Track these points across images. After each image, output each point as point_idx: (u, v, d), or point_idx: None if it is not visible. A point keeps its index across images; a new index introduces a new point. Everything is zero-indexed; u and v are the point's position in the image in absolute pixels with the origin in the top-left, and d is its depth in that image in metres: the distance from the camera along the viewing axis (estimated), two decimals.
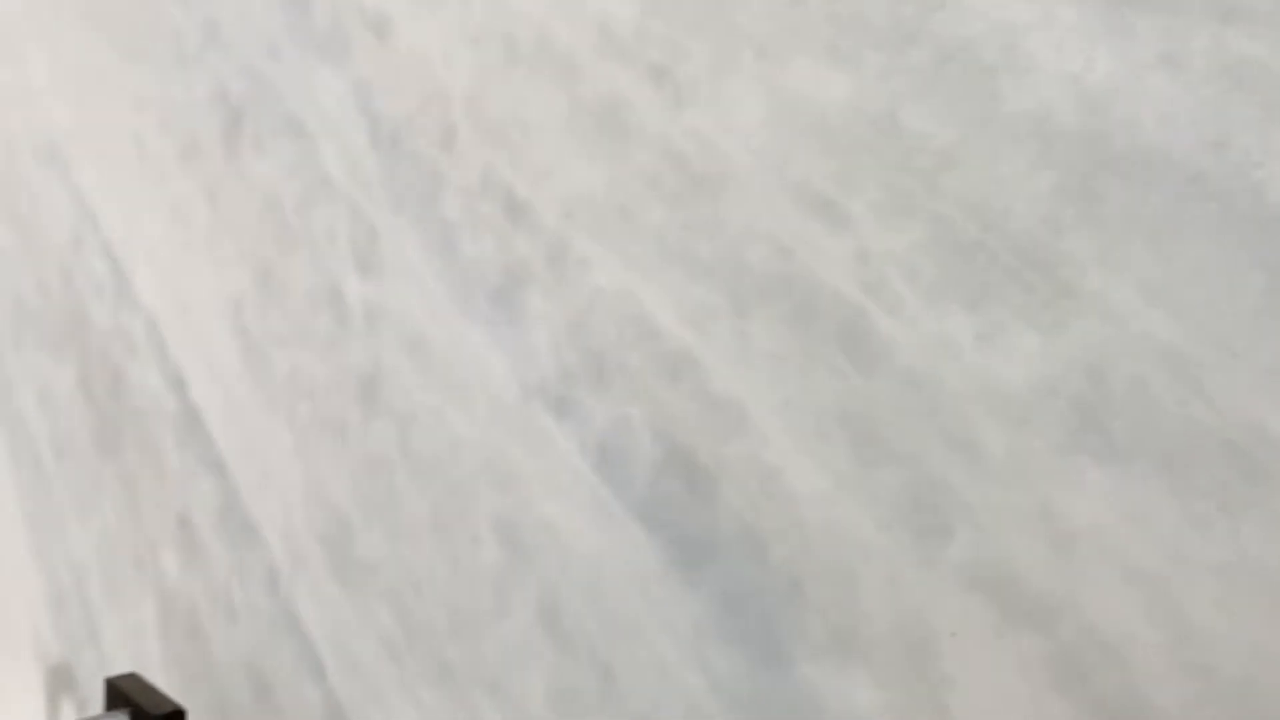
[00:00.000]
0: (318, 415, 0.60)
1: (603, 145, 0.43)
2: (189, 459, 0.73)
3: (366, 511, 0.57)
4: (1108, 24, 0.29)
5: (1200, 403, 0.28)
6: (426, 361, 0.53)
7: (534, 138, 0.47)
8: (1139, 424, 0.28)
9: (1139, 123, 0.28)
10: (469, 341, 0.50)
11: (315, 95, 0.61)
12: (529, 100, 0.47)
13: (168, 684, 0.67)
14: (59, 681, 0.93)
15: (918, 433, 0.32)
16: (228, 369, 0.68)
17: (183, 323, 0.74)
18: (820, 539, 0.35)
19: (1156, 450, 0.28)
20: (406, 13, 0.54)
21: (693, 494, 0.39)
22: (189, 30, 0.73)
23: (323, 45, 0.60)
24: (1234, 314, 0.27)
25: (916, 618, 0.33)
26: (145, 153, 0.79)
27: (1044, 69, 0.30)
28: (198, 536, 0.72)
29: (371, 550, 0.56)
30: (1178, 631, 0.28)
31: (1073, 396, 0.29)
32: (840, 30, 0.35)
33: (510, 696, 0.48)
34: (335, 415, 0.59)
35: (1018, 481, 0.30)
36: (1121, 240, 0.29)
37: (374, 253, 0.56)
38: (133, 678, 0.62)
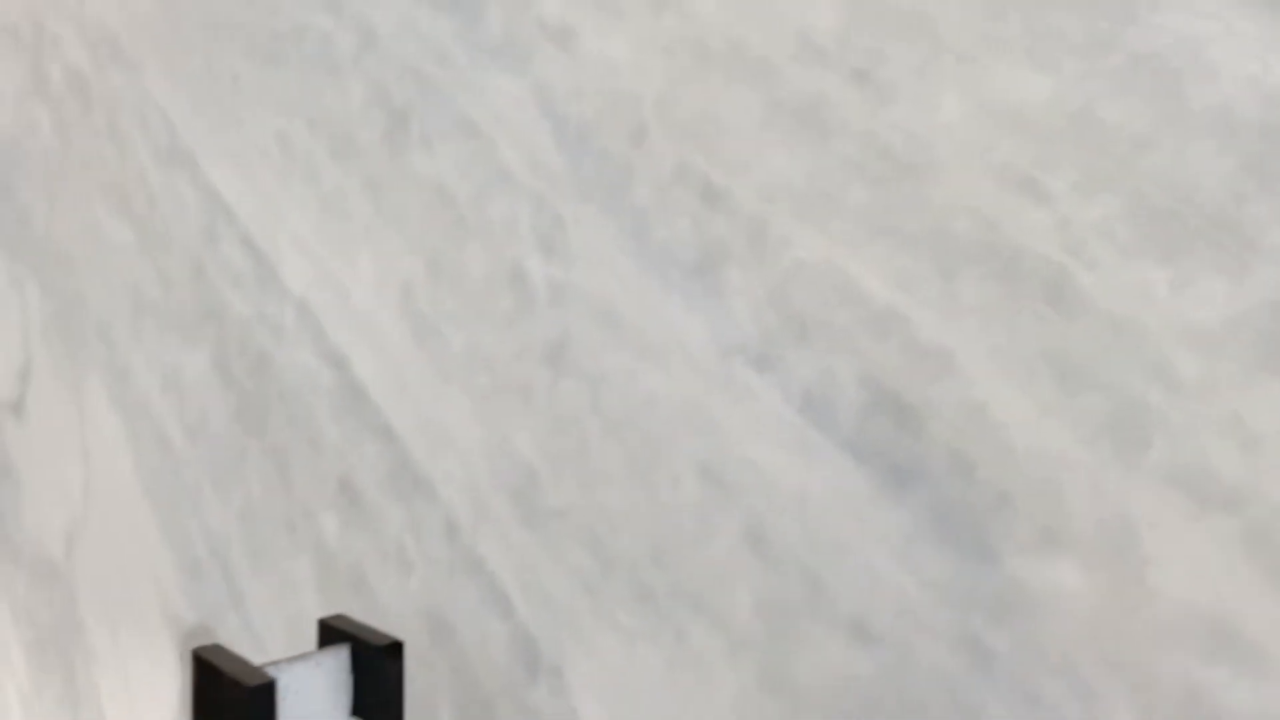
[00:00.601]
0: (498, 384, 0.68)
1: (803, 140, 0.51)
2: (350, 429, 0.80)
3: (556, 464, 0.64)
4: None
5: None
6: (618, 329, 0.60)
7: (730, 135, 0.54)
8: None
9: None
10: (663, 310, 0.58)
11: (491, 100, 0.68)
12: (723, 102, 0.55)
13: None
14: (194, 643, 1.00)
15: (1118, 365, 0.41)
16: (396, 348, 0.76)
17: (341, 308, 0.81)
18: (1026, 458, 0.43)
19: None
20: (591, 24, 0.61)
21: (900, 429, 0.47)
22: (341, 38, 0.81)
23: (497, 53, 0.67)
24: None
25: (1118, 514, 0.41)
26: (291, 152, 0.86)
27: (1226, 73, 0.38)
28: (362, 498, 0.79)
29: (562, 498, 0.64)
30: None
31: (1259, 328, 0.37)
32: (1038, 41, 0.43)
33: (716, 612, 0.56)
34: (518, 382, 0.67)
35: (1210, 397, 0.38)
36: None
37: (559, 237, 0.64)
38: (342, 618, 0.69)
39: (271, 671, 0.58)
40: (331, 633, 0.66)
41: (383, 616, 0.77)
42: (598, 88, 0.61)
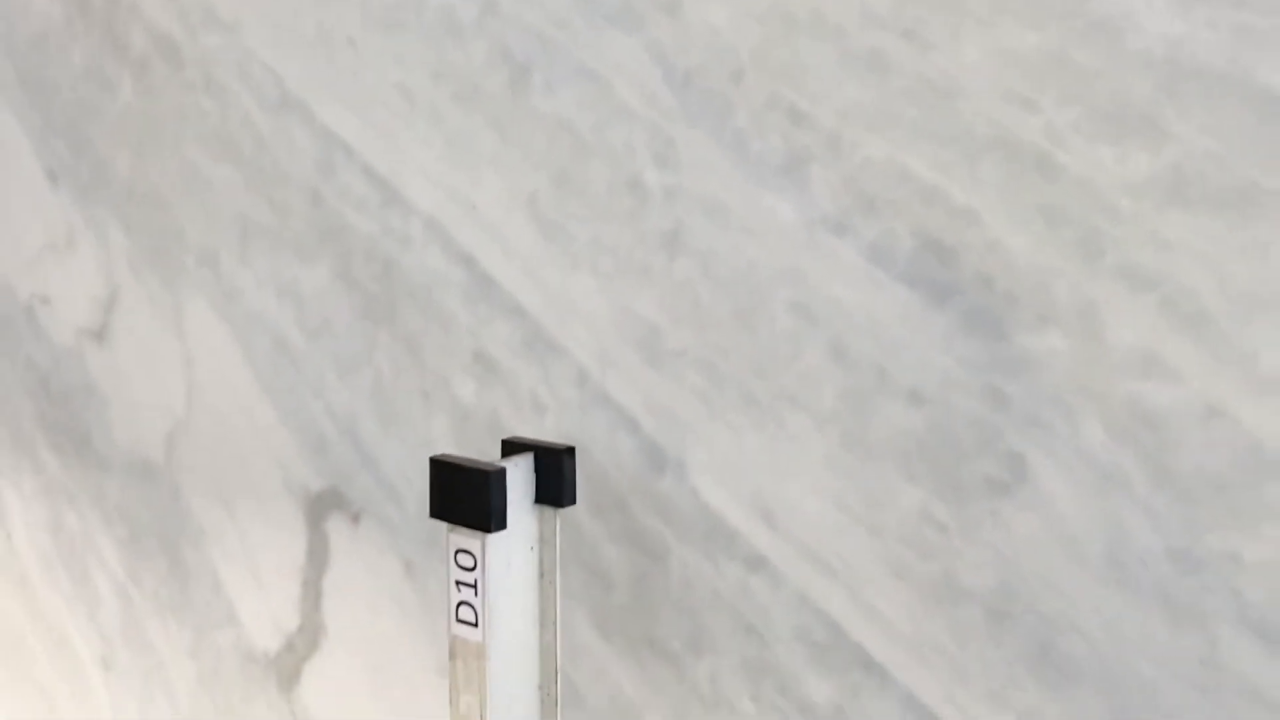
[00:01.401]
0: (620, 267, 0.92)
1: (868, 78, 0.76)
2: (481, 313, 1.02)
3: (674, 319, 0.88)
4: None
5: None
6: (723, 216, 0.85)
7: (811, 75, 0.79)
8: None
9: None
10: (759, 200, 0.82)
11: (607, 52, 0.91)
12: (806, 53, 0.79)
13: None
14: (324, 505, 1.22)
15: (1083, 209, 0.67)
16: (524, 245, 0.98)
17: (469, 219, 1.03)
18: (1027, 271, 0.69)
19: None
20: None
21: (941, 263, 0.73)
22: (462, 7, 1.02)
23: (613, 18, 0.90)
24: None
25: (1087, 300, 0.67)
26: (413, 100, 1.07)
27: (1149, 28, 0.64)
28: (497, 365, 1.02)
29: (679, 342, 0.88)
30: None
31: (1168, 181, 0.64)
32: (1031, 9, 0.68)
33: (807, 404, 0.81)
34: (639, 264, 0.90)
35: (1140, 223, 0.65)
36: None
37: (671, 154, 0.87)
38: (519, 438, 0.93)
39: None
40: (514, 446, 0.89)
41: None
42: (702, 44, 0.85)
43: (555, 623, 0.87)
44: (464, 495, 0.82)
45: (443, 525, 0.83)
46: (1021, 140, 0.69)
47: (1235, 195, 0.62)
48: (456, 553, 0.83)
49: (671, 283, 0.88)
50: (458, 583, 0.83)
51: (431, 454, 0.85)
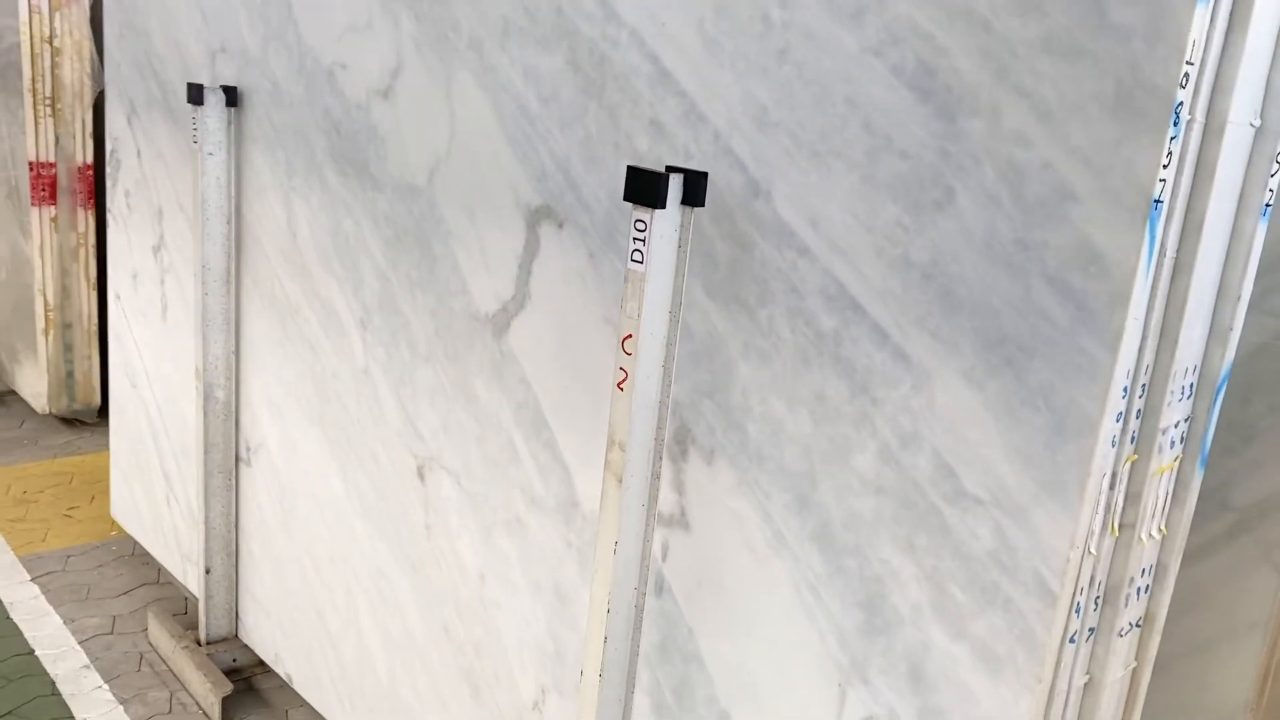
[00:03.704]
0: (749, 68, 1.50)
1: None
2: (659, 93, 1.62)
3: (776, 102, 1.47)
4: None
5: None
6: (815, 41, 1.42)
7: None
8: None
9: None
10: (836, 33, 1.40)
11: None
12: None
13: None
14: (539, 215, 1.86)
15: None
16: (691, 50, 1.57)
17: (659, 31, 1.62)
18: (970, 82, 1.27)
19: None
20: None
21: (928, 76, 1.31)
22: None
23: None
24: None
25: (996, 109, 1.24)
26: None
27: None
28: (664, 129, 1.62)
29: (778, 117, 1.47)
30: None
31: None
32: None
33: (846, 158, 1.40)
34: (759, 66, 1.49)
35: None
36: None
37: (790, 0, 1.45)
38: (675, 166, 1.54)
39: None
40: (673, 169, 1.51)
41: None
42: None
43: (683, 272, 1.50)
44: (646, 187, 1.44)
45: (627, 209, 1.46)
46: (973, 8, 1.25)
47: None
48: (635, 220, 1.46)
49: (778, 80, 1.46)
50: (634, 238, 1.46)
51: (617, 185, 1.46)
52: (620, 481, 1.51)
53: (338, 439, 2.47)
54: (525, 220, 1.90)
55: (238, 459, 2.81)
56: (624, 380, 1.49)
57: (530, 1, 1.83)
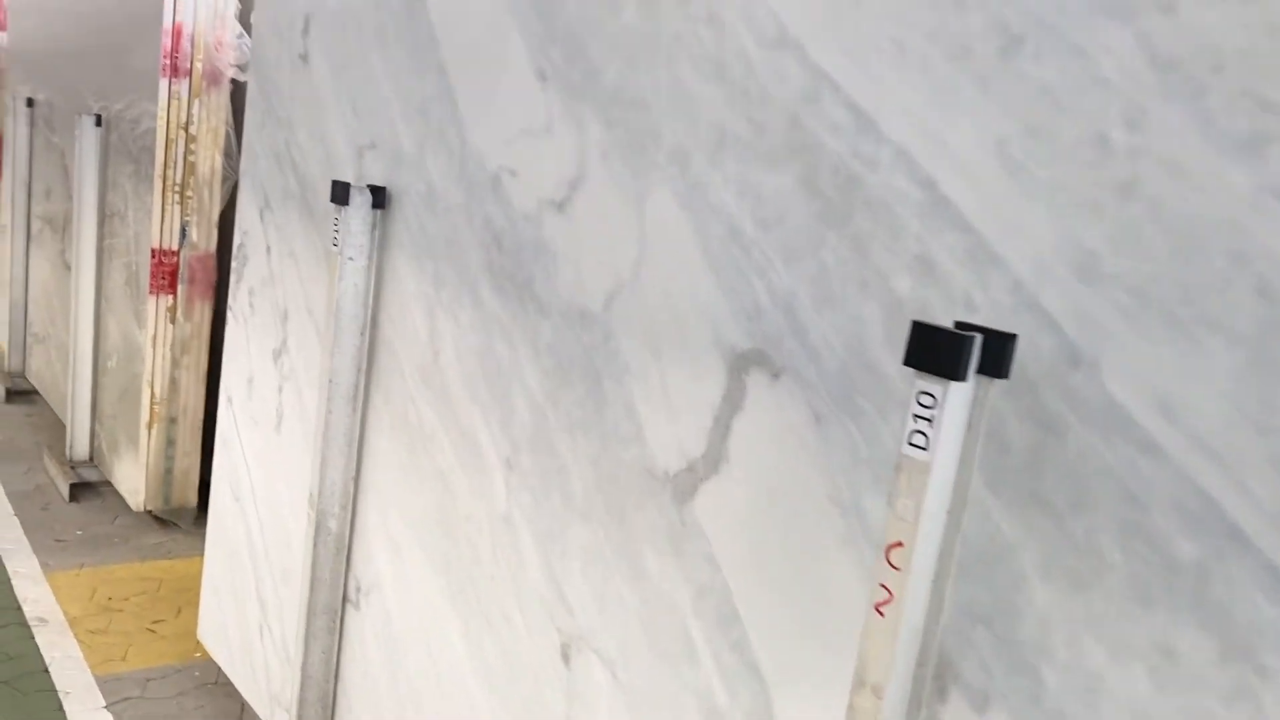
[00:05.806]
0: (1074, 202, 1.16)
1: None
2: (932, 225, 1.29)
3: (1115, 248, 1.12)
4: None
5: None
6: (1180, 175, 1.07)
7: None
8: None
9: None
10: (1216, 166, 1.05)
11: (1099, 35, 1.15)
12: None
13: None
14: (748, 361, 1.53)
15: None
16: (986, 177, 1.24)
17: (937, 152, 1.29)
18: None
19: None
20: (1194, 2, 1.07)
21: None
22: None
23: (1110, 10, 1.14)
24: None
25: None
26: (905, 52, 1.34)
27: None
28: (936, 268, 1.28)
29: (1117, 267, 1.12)
30: None
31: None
32: None
33: (1224, 328, 1.03)
34: (1091, 201, 1.14)
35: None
36: None
37: (1142, 120, 1.11)
38: (965, 323, 1.20)
39: None
40: (965, 326, 1.16)
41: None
42: (1190, 39, 1.07)
43: (972, 464, 1.14)
44: (941, 351, 1.10)
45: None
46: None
47: None
48: (920, 394, 1.11)
49: (1119, 220, 1.11)
50: (915, 415, 1.11)
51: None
52: None
53: (465, 592, 2.12)
54: (727, 365, 1.56)
55: (345, 599, 2.48)
56: (886, 602, 1.12)
57: (756, 109, 1.53)
